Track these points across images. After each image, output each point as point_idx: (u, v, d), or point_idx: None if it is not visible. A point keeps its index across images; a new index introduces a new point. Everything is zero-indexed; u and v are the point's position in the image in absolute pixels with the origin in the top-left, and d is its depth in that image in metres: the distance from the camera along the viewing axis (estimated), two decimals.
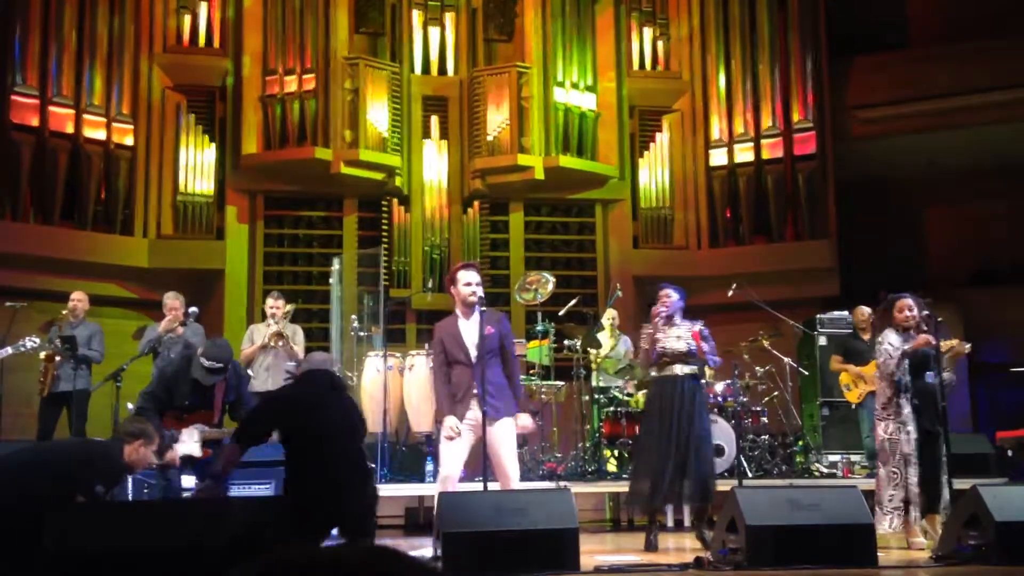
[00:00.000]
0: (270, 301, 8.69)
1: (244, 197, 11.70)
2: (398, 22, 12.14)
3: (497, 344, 5.76)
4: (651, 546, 6.31)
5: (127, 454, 5.15)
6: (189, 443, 5.78)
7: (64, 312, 8.45)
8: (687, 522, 8.09)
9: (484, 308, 5.73)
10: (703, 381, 6.77)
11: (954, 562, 5.25)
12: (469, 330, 5.71)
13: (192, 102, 11.70)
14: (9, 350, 7.70)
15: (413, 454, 8.57)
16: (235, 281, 11.35)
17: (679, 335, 6.31)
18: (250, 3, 11.68)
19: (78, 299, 8.55)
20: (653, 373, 6.47)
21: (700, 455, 6.26)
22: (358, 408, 4.98)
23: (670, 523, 8.12)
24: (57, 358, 8.12)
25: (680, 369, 6.29)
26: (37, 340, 7.83)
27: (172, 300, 8.31)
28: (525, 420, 5.81)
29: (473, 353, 5.65)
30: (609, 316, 9.50)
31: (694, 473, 6.19)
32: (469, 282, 5.76)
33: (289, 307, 8.66)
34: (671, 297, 6.40)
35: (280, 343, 8.43)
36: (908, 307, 6.28)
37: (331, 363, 5.09)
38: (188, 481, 6.10)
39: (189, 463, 5.83)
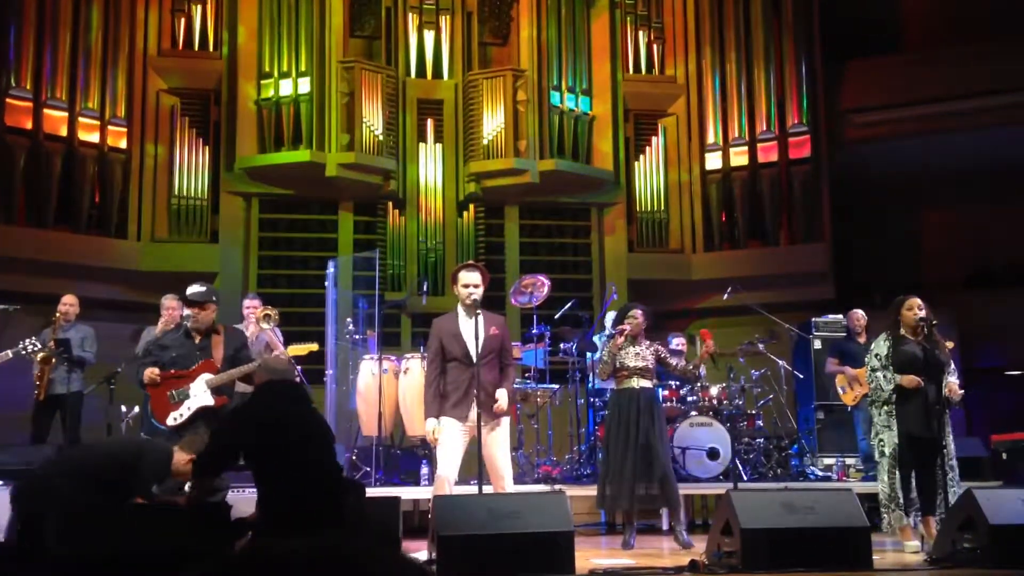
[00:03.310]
0: (247, 301, 8.65)
1: (239, 200, 11.68)
2: (393, 25, 12.14)
3: (498, 346, 5.77)
4: (627, 546, 6.57)
5: (176, 462, 5.12)
6: (201, 396, 5.77)
7: (57, 316, 8.43)
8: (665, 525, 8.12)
9: (480, 311, 5.72)
10: (665, 392, 7.41)
11: (949, 565, 5.24)
12: (469, 330, 5.70)
13: (186, 105, 11.70)
14: (9, 354, 7.65)
15: (408, 458, 8.56)
16: (230, 284, 11.31)
17: (638, 352, 6.73)
18: (245, 6, 11.68)
19: (69, 303, 8.52)
20: (612, 385, 6.83)
21: (658, 460, 6.51)
22: (324, 421, 4.76)
23: (664, 526, 8.12)
24: (52, 360, 8.08)
25: (637, 382, 6.69)
26: (38, 343, 7.79)
27: (170, 301, 8.29)
28: (503, 400, 5.75)
29: (473, 353, 5.65)
30: (609, 319, 9.54)
31: (655, 477, 6.47)
32: (468, 283, 5.78)
33: (271, 311, 8.62)
34: (637, 319, 6.77)
35: (269, 325, 8.37)
36: (919, 306, 6.29)
37: (292, 372, 4.90)
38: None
39: (204, 417, 5.81)
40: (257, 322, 8.26)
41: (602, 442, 8.64)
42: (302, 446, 4.31)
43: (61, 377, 8.15)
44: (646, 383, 6.71)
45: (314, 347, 7.10)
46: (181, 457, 5.09)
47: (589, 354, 9.03)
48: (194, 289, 5.98)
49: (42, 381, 8.11)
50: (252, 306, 8.54)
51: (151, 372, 5.84)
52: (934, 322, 6.29)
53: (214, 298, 6.04)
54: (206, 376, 5.82)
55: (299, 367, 8.68)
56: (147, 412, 7.96)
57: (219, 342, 5.98)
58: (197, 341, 5.95)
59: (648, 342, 6.83)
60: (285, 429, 4.34)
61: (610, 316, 9.52)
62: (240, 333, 6.32)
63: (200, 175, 11.51)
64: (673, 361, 6.93)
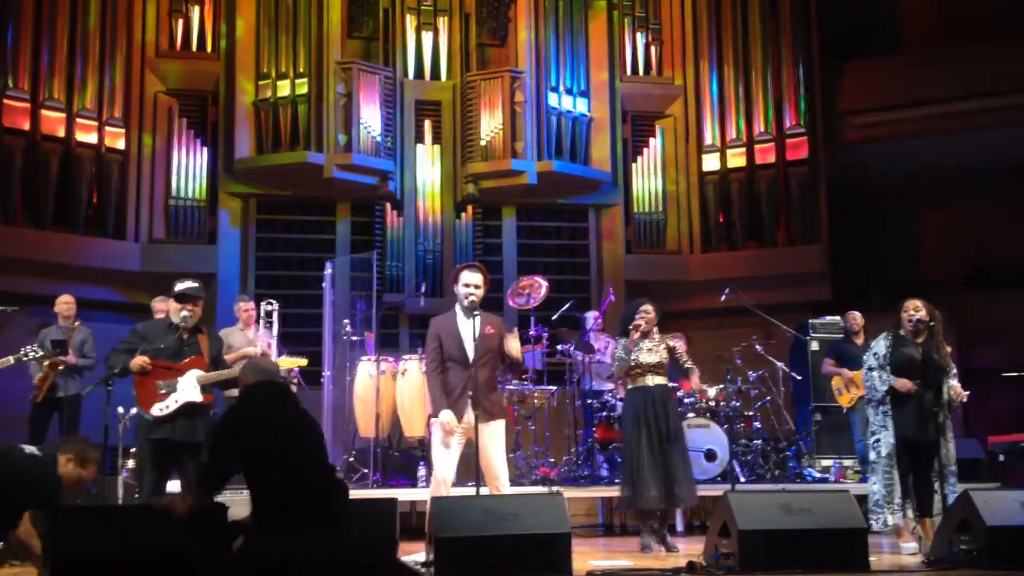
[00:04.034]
0: (241, 304, 8.63)
1: (236, 201, 11.69)
2: (391, 26, 12.15)
3: (495, 345, 5.77)
4: (646, 549, 6.49)
5: (60, 465, 5.02)
6: (190, 391, 5.76)
7: (68, 317, 8.43)
8: (680, 527, 8.12)
9: (478, 312, 5.72)
10: (676, 386, 7.39)
11: (946, 566, 5.25)
12: (467, 331, 5.70)
13: (184, 106, 11.70)
14: (11, 360, 7.61)
15: (405, 459, 8.55)
16: (228, 285, 11.32)
17: (651, 348, 6.65)
18: (242, 6, 11.68)
19: (65, 302, 8.51)
20: (628, 384, 6.74)
21: (677, 459, 6.49)
22: (315, 421, 4.73)
23: (680, 527, 8.14)
24: (60, 367, 8.04)
25: (651, 379, 6.62)
26: (40, 350, 7.74)
27: (160, 303, 8.28)
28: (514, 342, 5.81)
29: (471, 354, 5.66)
30: (590, 317, 9.66)
31: (673, 477, 6.42)
32: (468, 283, 5.79)
33: (273, 304, 8.62)
34: (650, 313, 6.68)
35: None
36: (914, 307, 6.30)
37: (277, 372, 4.84)
38: (173, 486, 6.07)
39: (188, 413, 5.79)
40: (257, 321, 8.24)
41: (599, 442, 8.69)
42: (292, 447, 4.30)
43: (59, 380, 8.14)
44: (660, 379, 6.64)
45: (303, 362, 7.14)
46: (62, 458, 4.99)
47: (572, 350, 9.05)
48: (187, 284, 5.96)
49: (44, 385, 8.07)
50: (248, 308, 8.53)
51: (143, 360, 5.81)
52: (931, 323, 6.29)
53: (203, 294, 6.06)
54: (197, 372, 5.82)
55: (296, 368, 8.69)
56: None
57: (205, 341, 5.99)
58: (186, 337, 5.94)
59: (659, 337, 6.77)
60: (275, 431, 4.32)
61: (590, 315, 9.63)
62: (219, 337, 6.35)
63: (198, 176, 11.51)
64: (683, 360, 6.85)
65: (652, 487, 6.40)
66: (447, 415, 5.62)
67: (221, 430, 4.47)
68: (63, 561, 4.38)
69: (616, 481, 8.22)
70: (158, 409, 5.76)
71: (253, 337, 8.36)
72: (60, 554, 4.40)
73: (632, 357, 6.59)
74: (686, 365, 6.88)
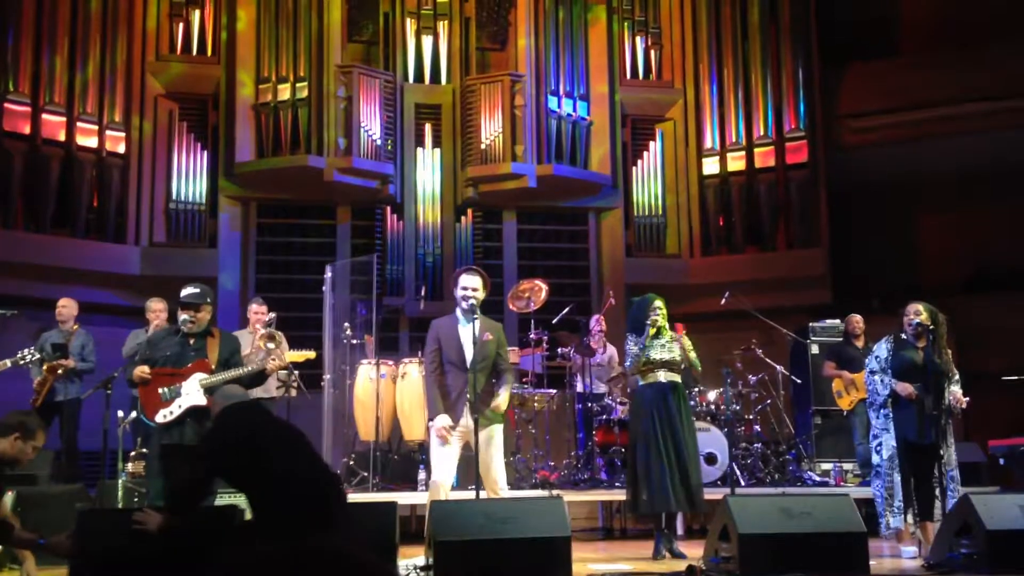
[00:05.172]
0: (253, 307, 8.62)
1: (237, 205, 11.70)
2: (391, 31, 12.16)
3: (492, 352, 5.78)
4: (658, 554, 6.32)
5: (4, 449, 5.00)
6: (193, 394, 5.76)
7: (67, 320, 8.43)
8: (679, 530, 8.10)
9: (478, 316, 5.74)
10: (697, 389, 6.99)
11: (946, 570, 5.25)
12: (467, 334, 5.73)
13: (185, 110, 11.72)
14: (8, 363, 7.60)
15: (405, 462, 8.55)
16: (228, 289, 11.33)
17: (663, 344, 6.57)
18: (243, 11, 11.69)
19: (63, 305, 8.51)
20: (639, 381, 6.63)
21: (688, 463, 6.36)
22: (300, 430, 4.72)
23: (680, 531, 8.10)
24: (59, 371, 8.04)
25: (664, 376, 6.52)
26: (37, 353, 7.73)
27: (155, 303, 8.27)
28: (502, 401, 5.80)
29: (469, 358, 5.67)
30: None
31: (683, 481, 6.30)
32: (466, 287, 5.82)
33: (272, 315, 8.61)
34: (663, 310, 6.62)
35: (272, 344, 8.31)
36: (915, 311, 6.30)
37: (246, 396, 4.84)
38: None
39: (194, 416, 5.77)
40: (262, 339, 8.22)
41: (630, 442, 8.50)
42: (280, 456, 4.29)
43: (59, 384, 8.13)
44: (674, 376, 6.53)
45: (311, 355, 7.09)
46: (8, 443, 4.98)
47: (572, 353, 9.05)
48: (188, 291, 5.97)
49: (43, 389, 8.07)
50: (259, 311, 8.51)
51: (140, 370, 5.82)
52: (933, 327, 6.28)
53: (208, 299, 6.03)
54: (199, 376, 5.82)
55: (296, 371, 8.70)
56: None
57: (214, 344, 5.97)
58: (191, 342, 5.94)
59: (672, 334, 6.71)
60: (258, 444, 4.31)
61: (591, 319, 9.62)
62: (235, 338, 6.31)
63: (198, 179, 11.52)
64: (692, 356, 6.75)
65: (673, 491, 6.23)
66: (443, 419, 5.64)
67: (201, 454, 4.46)
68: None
69: (617, 484, 8.19)
70: (161, 416, 5.76)
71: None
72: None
73: (646, 353, 6.50)
74: (692, 358, 6.75)
